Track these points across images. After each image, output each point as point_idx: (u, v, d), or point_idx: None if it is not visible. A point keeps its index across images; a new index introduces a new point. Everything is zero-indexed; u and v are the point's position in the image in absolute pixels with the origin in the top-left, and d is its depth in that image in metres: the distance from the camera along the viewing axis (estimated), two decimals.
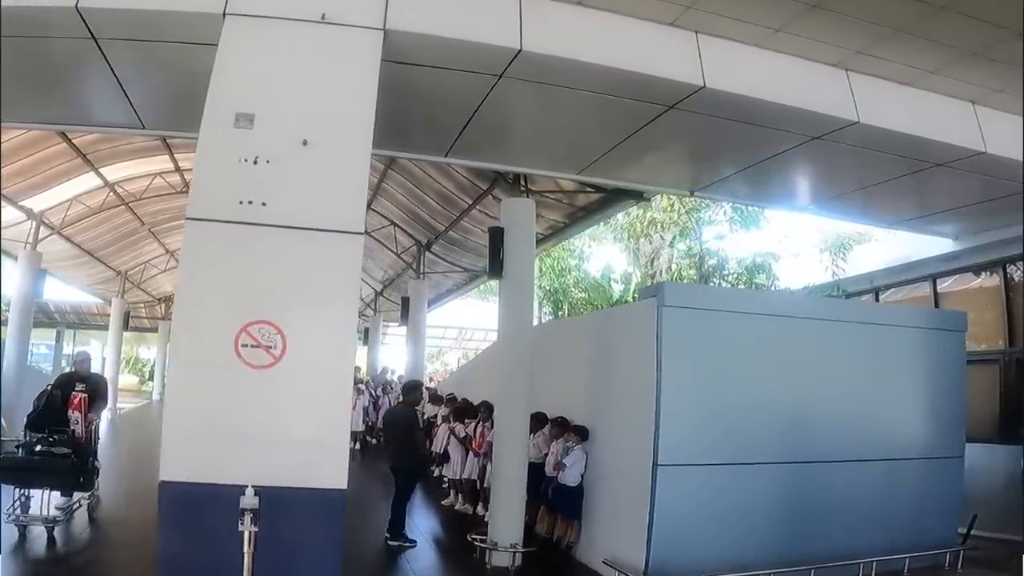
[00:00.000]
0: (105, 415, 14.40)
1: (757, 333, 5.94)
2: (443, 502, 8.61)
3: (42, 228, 11.86)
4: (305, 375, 3.83)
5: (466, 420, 8.40)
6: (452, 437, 8.52)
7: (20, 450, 5.94)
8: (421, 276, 13.39)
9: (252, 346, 3.76)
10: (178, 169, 11.52)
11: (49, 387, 6.62)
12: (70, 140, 9.20)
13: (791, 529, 5.82)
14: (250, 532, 3.42)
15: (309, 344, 3.87)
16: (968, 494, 6.74)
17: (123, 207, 13.16)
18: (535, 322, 12.30)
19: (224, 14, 4.19)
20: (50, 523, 5.86)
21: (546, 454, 6.80)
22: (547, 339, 7.76)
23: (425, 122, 5.88)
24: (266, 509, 3.48)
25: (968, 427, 6.89)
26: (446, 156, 6.53)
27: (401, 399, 8.41)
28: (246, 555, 3.42)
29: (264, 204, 3.93)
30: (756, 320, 6.01)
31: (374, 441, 13.13)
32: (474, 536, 6.38)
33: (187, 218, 3.93)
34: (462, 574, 6.18)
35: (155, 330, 25.56)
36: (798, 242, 14.19)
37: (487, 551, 6.12)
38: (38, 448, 5.90)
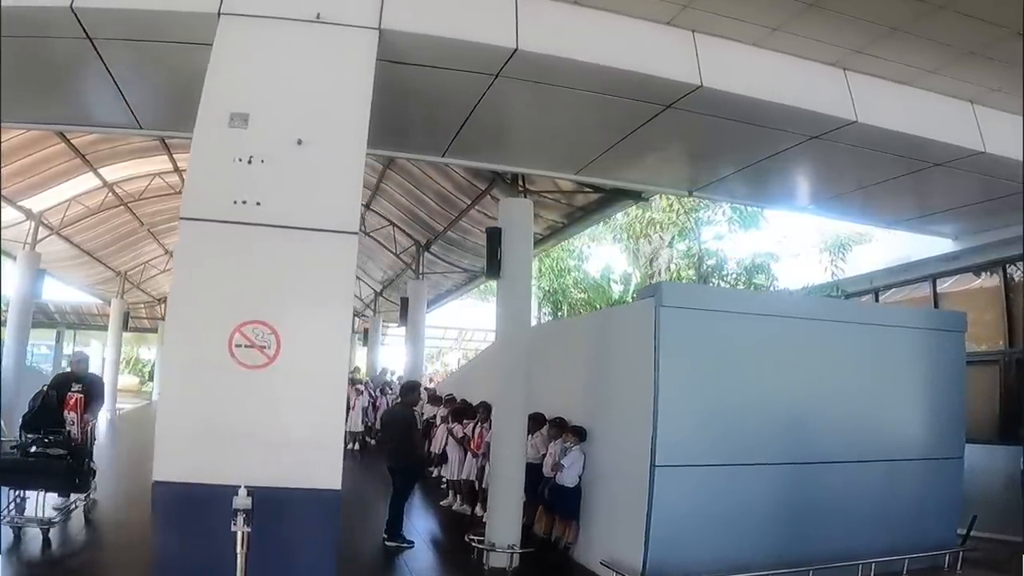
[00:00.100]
0: (104, 416, 14.49)
1: (756, 333, 5.92)
2: (441, 503, 8.60)
3: (41, 228, 11.87)
4: (299, 375, 3.81)
5: (464, 421, 8.39)
6: (450, 438, 8.51)
7: (16, 451, 5.91)
8: (420, 276, 13.38)
9: (246, 346, 3.75)
10: (177, 169, 11.51)
11: (45, 387, 6.59)
12: (69, 140, 9.20)
13: (790, 530, 5.80)
14: (243, 533, 3.40)
15: (303, 344, 3.85)
16: (968, 495, 6.71)
17: (122, 207, 13.17)
18: (534, 322, 12.33)
19: (219, 14, 4.19)
20: (46, 525, 5.83)
21: (544, 455, 6.78)
22: (545, 339, 7.74)
23: (422, 122, 5.87)
24: (260, 509, 3.46)
25: (968, 428, 6.87)
26: (443, 156, 6.52)
27: (399, 399, 8.39)
28: (239, 556, 3.40)
29: (259, 204, 3.92)
30: (755, 320, 5.99)
31: (373, 442, 13.11)
32: (472, 537, 6.37)
33: (181, 218, 3.92)
34: (460, 575, 6.16)
35: (155, 331, 25.56)
36: (797, 242, 14.19)
37: (485, 552, 6.11)
38: (33, 449, 5.88)
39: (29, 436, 6.02)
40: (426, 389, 12.03)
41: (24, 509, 5.95)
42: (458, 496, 8.43)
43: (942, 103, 5.78)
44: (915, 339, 6.72)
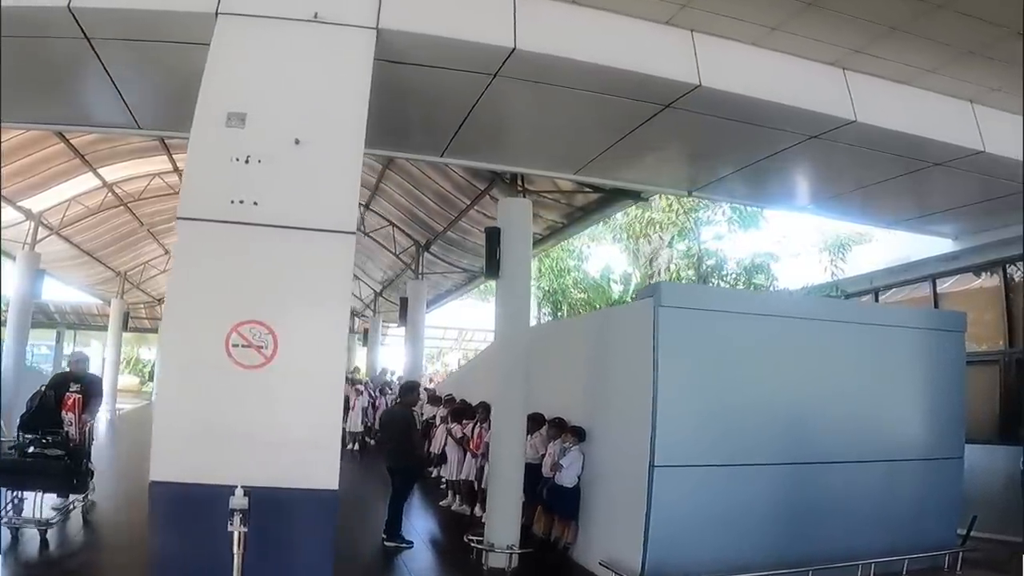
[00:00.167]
0: (104, 416, 14.48)
1: (755, 333, 5.91)
2: (440, 503, 8.58)
3: (41, 228, 11.87)
4: (297, 375, 3.81)
5: (464, 421, 8.38)
6: (449, 438, 8.50)
7: (14, 451, 5.89)
8: (420, 276, 13.38)
9: (243, 346, 3.74)
10: (176, 170, 11.51)
11: (43, 387, 6.57)
12: (68, 140, 9.20)
13: (789, 530, 5.79)
14: (239, 533, 3.39)
15: (301, 344, 3.85)
16: (968, 495, 6.69)
17: (122, 207, 13.17)
18: (534, 323, 12.33)
19: (216, 13, 4.19)
20: (43, 526, 5.80)
21: (543, 455, 6.78)
22: (544, 340, 7.74)
23: (420, 121, 5.86)
24: (257, 510, 3.45)
25: (968, 428, 6.86)
26: (442, 156, 6.52)
27: (399, 400, 8.38)
28: (236, 556, 3.40)
29: (256, 203, 3.92)
30: (754, 320, 5.97)
31: (372, 442, 13.10)
32: (471, 537, 6.35)
33: (178, 218, 3.93)
34: (459, 575, 6.15)
35: (155, 331, 25.60)
36: (797, 242, 14.17)
37: (484, 552, 6.10)
38: (31, 450, 5.85)
39: (27, 436, 5.99)
40: (426, 389, 12.03)
41: (22, 510, 5.92)
42: (457, 496, 8.42)
43: (941, 103, 5.78)
44: (915, 339, 6.71)
